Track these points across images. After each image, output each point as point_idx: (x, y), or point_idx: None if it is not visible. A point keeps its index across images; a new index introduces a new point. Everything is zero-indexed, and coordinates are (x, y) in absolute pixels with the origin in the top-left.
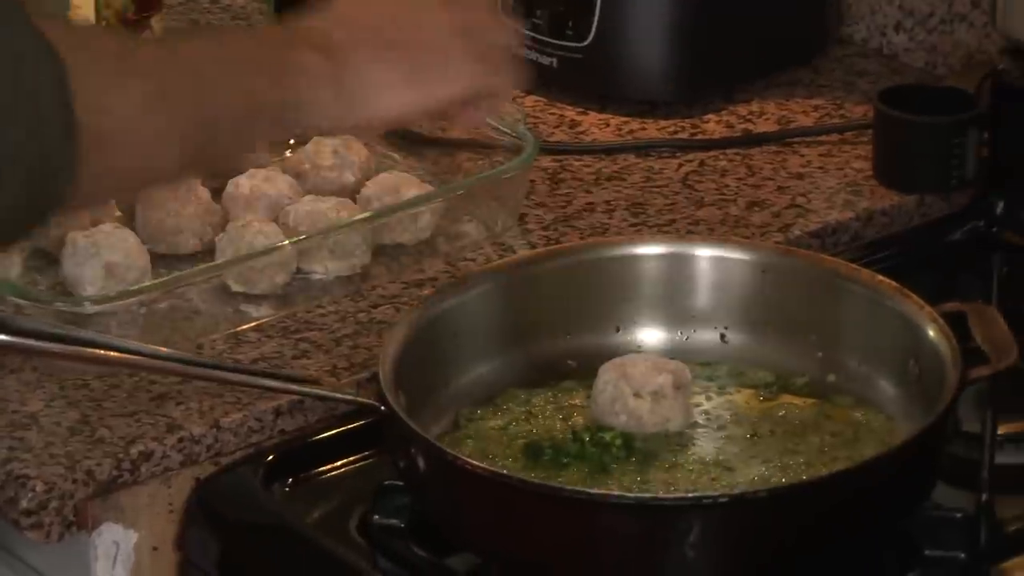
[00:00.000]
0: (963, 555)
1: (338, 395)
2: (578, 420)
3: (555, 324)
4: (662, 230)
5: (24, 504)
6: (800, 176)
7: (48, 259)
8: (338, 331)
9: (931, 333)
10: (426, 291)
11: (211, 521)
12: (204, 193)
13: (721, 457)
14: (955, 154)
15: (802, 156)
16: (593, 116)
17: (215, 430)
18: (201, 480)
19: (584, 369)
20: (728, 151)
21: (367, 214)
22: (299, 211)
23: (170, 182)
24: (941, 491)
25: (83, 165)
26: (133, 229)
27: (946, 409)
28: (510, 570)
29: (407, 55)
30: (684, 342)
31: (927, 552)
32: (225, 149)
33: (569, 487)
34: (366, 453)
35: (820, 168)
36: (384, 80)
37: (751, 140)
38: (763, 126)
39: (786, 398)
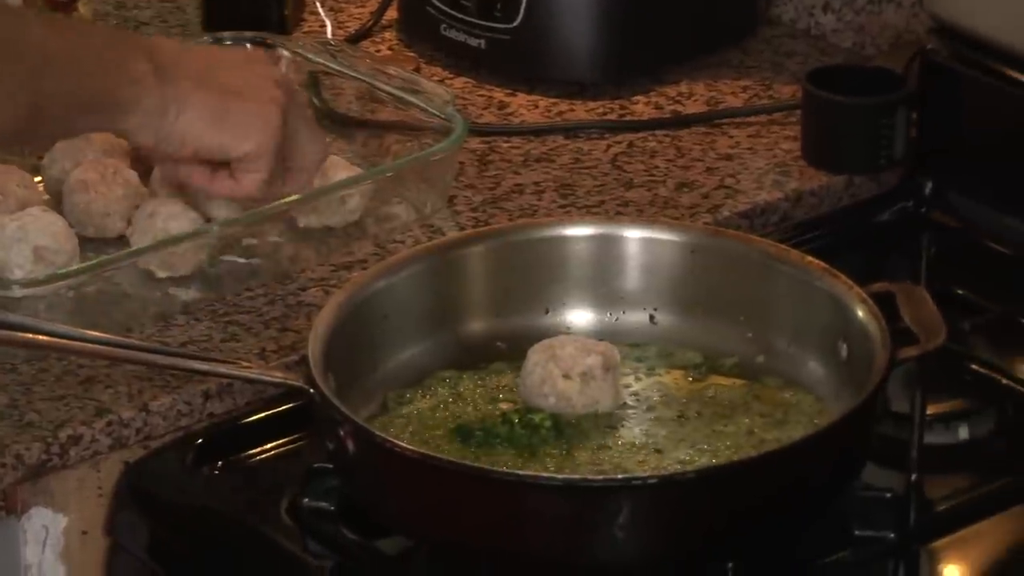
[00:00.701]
0: (893, 535)
1: (267, 378)
2: (507, 402)
3: (484, 306)
4: (591, 211)
5: None
6: (729, 157)
7: None
8: (267, 314)
9: (860, 314)
10: (355, 273)
11: (140, 505)
12: (132, 176)
13: (650, 438)
14: (883, 134)
15: (731, 137)
16: (522, 98)
17: (144, 413)
18: (130, 464)
19: (513, 351)
20: (657, 132)
21: (295, 197)
22: None
23: None
24: (871, 471)
25: None
26: (61, 213)
27: (875, 389)
28: (440, 552)
29: (225, 100)
30: (613, 323)
31: (857, 532)
32: (50, 128)
33: (498, 469)
34: (295, 436)
35: (749, 149)
36: (198, 114)
37: (680, 121)
38: (692, 107)
39: (715, 379)
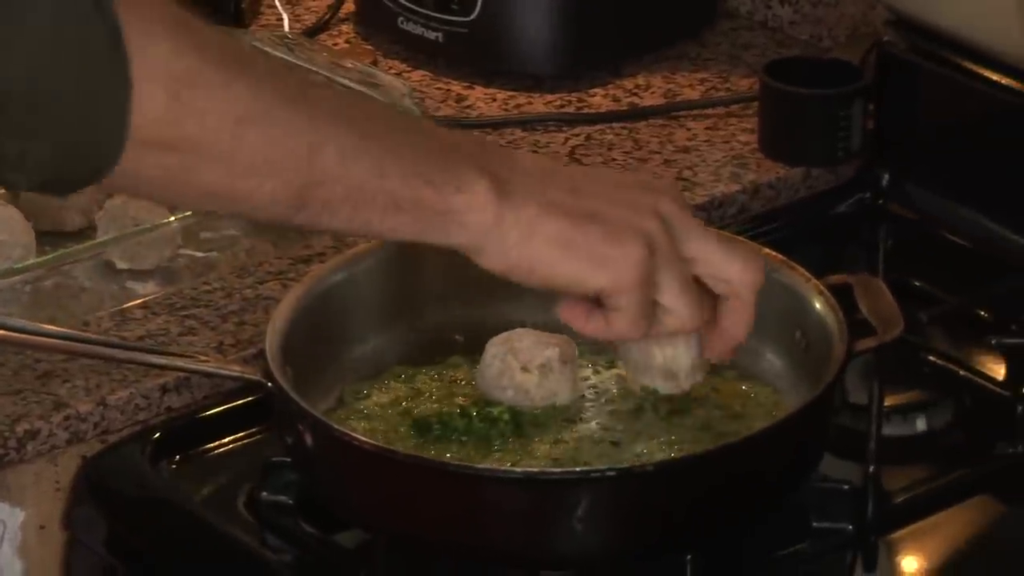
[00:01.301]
0: (851, 527)
1: (224, 371)
2: (465, 395)
3: (442, 299)
4: None
5: None
6: (686, 149)
7: None
8: (224, 307)
9: (817, 305)
10: (313, 267)
11: (98, 499)
12: None
13: (608, 431)
14: (841, 126)
15: (688, 129)
16: (479, 90)
17: (101, 408)
18: (88, 458)
19: (471, 344)
20: (614, 125)
21: None
22: None
23: (257, 215)
24: (828, 463)
25: (142, 151)
26: (17, 206)
27: (833, 381)
28: (398, 545)
29: (579, 225)
30: None
31: (815, 524)
32: (331, 214)
33: (455, 462)
34: (253, 430)
35: (706, 141)
36: (545, 240)
37: (637, 114)
38: (649, 100)
39: None
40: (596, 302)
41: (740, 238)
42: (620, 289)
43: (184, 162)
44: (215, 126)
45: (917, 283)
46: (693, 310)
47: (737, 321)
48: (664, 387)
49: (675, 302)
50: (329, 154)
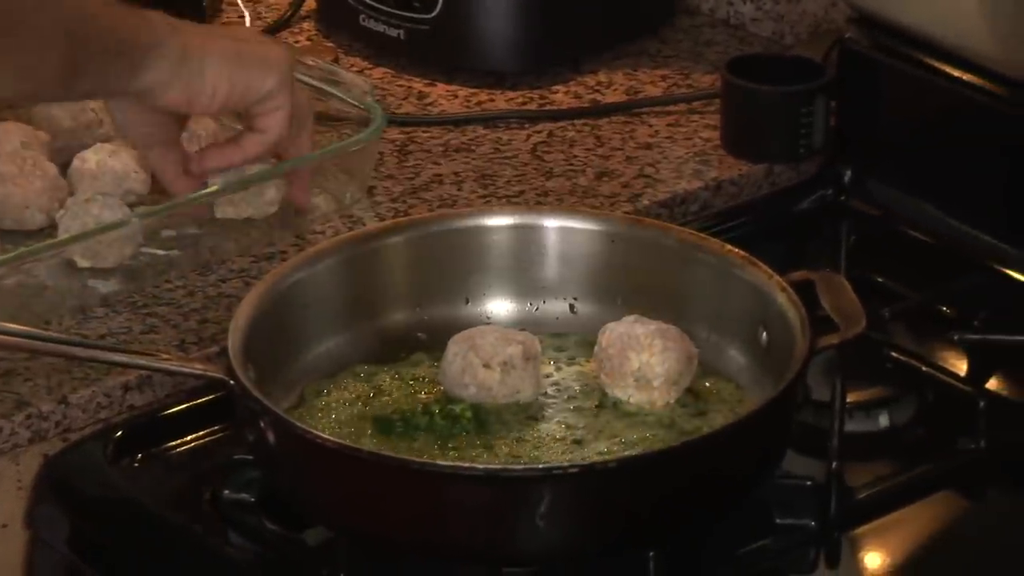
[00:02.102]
0: (813, 523)
1: (187, 369)
2: (428, 393)
3: (404, 297)
4: (511, 201)
5: None
6: (648, 146)
7: None
8: (186, 306)
9: (780, 302)
10: (275, 265)
11: (60, 498)
12: (51, 168)
13: (570, 429)
14: (803, 123)
15: (650, 126)
16: (441, 88)
17: (63, 406)
18: (50, 456)
19: (433, 342)
20: (576, 122)
21: (212, 188)
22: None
23: (41, 93)
24: (791, 459)
25: None
26: None
27: (795, 378)
28: (361, 543)
29: (238, 45)
30: (534, 313)
31: (778, 520)
32: (84, 82)
33: (418, 459)
34: (216, 428)
35: (668, 138)
36: (219, 59)
37: (599, 111)
38: (611, 96)
39: None
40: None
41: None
42: (284, 85)
43: None
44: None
45: (879, 279)
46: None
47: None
48: (637, 397)
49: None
50: (80, 33)
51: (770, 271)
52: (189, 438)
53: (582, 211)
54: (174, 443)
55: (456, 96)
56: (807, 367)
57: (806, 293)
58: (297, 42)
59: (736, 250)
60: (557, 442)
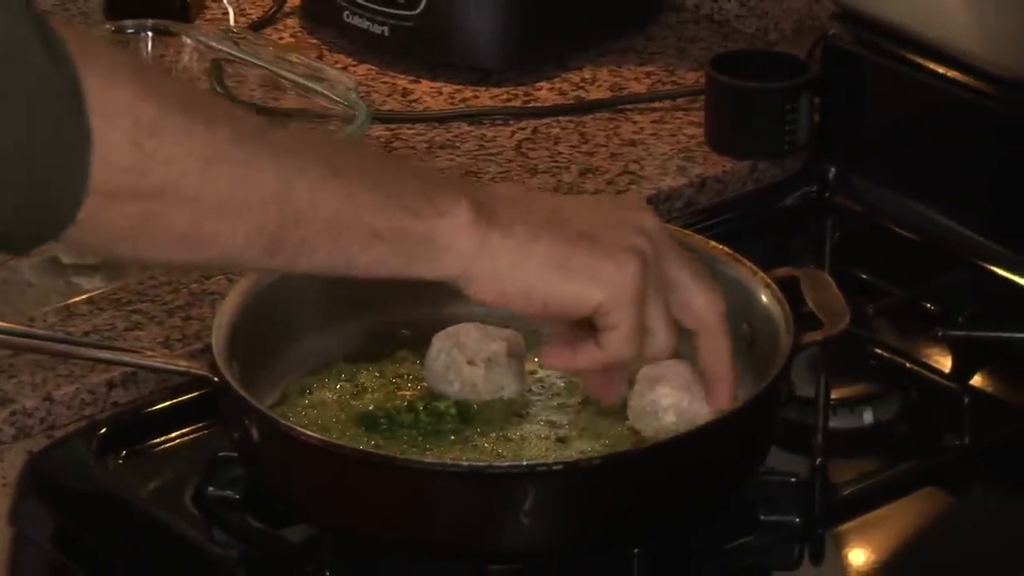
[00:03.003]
0: (798, 519)
1: (171, 366)
2: (412, 390)
3: (388, 294)
4: None
5: None
6: (633, 143)
7: None
8: (171, 302)
9: (764, 299)
10: None
11: (45, 494)
12: None
13: (555, 426)
14: (787, 120)
15: (635, 123)
16: (425, 84)
17: (48, 403)
18: (34, 453)
19: (418, 339)
20: (561, 119)
21: None
22: None
23: (232, 261)
24: (775, 456)
25: (103, 199)
26: None
27: (779, 374)
28: (345, 540)
29: (571, 245)
30: None
31: (762, 516)
32: (310, 252)
33: (402, 456)
34: (200, 425)
35: (653, 135)
36: (538, 262)
37: (584, 107)
38: (596, 93)
39: None
40: (577, 335)
41: (706, 268)
42: (618, 303)
43: (150, 209)
44: (181, 171)
45: (863, 276)
46: (673, 334)
47: (715, 354)
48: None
49: (659, 323)
50: (300, 189)
51: (754, 267)
52: (173, 435)
53: None
54: (158, 440)
55: (440, 93)
56: (791, 363)
57: (790, 289)
58: (281, 39)
59: (720, 246)
60: (542, 440)
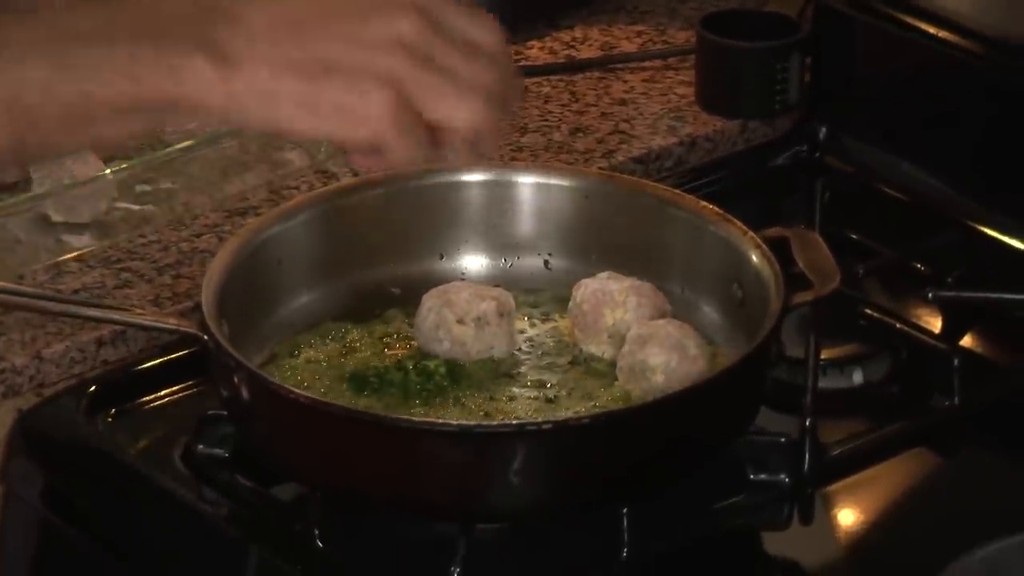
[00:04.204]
0: (787, 479)
1: (161, 324)
2: (402, 349)
3: (379, 252)
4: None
5: None
6: (623, 102)
7: None
8: (161, 261)
9: (754, 258)
10: (249, 220)
11: (34, 452)
12: None
13: (544, 385)
14: (778, 79)
15: (625, 82)
16: None
17: (37, 361)
18: (23, 411)
19: (408, 297)
20: (551, 77)
21: (187, 143)
22: None
23: None
24: (765, 416)
25: None
26: None
27: (769, 334)
28: (334, 499)
29: (315, 83)
30: (508, 269)
31: (752, 476)
32: (57, 143)
33: (391, 415)
34: (190, 383)
35: (643, 94)
36: (288, 107)
37: (574, 66)
38: (586, 52)
39: None
40: None
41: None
42: (379, 135)
43: None
44: None
45: (854, 236)
46: (469, 108)
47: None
48: (610, 353)
49: (448, 112)
50: (30, 95)
51: (744, 227)
52: (163, 393)
53: (557, 167)
54: (148, 398)
55: None
56: (781, 324)
57: (780, 250)
58: None
59: (710, 206)
60: (531, 398)
